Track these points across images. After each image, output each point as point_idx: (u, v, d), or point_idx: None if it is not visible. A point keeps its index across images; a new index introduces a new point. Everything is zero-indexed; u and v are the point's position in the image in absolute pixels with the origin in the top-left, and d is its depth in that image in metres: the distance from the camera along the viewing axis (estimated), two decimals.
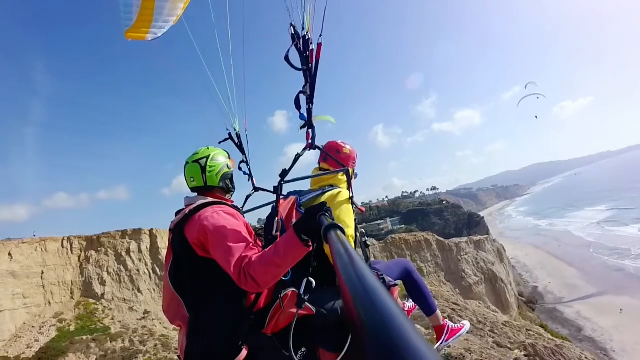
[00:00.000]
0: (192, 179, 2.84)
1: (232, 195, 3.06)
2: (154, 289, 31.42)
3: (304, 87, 3.08)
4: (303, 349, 2.45)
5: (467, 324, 3.98)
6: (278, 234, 2.72)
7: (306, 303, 2.38)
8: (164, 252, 32.86)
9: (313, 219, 2.06)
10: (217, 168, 2.86)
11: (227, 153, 3.09)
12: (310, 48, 3.09)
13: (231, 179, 3.01)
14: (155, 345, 24.85)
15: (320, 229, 1.87)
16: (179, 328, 2.68)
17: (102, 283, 29.58)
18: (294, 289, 2.49)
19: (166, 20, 4.38)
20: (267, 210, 3.25)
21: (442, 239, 50.97)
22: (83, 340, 24.20)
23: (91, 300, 28.48)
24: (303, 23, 3.09)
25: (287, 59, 3.08)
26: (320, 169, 3.42)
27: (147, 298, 30.71)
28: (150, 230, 34.09)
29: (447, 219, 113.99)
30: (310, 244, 2.12)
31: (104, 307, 28.27)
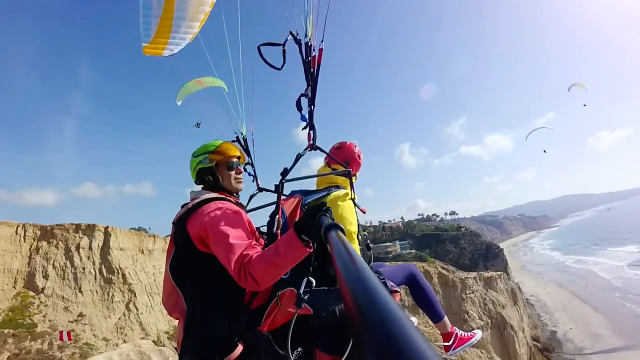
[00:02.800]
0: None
1: (224, 187, 2.94)
2: (96, 291, 28.94)
3: (305, 90, 3.23)
4: (299, 349, 2.44)
5: (478, 333, 3.95)
6: (279, 231, 2.75)
7: (304, 303, 2.40)
8: (114, 253, 30.83)
9: (313, 219, 2.08)
10: (193, 165, 2.89)
11: (215, 144, 2.95)
12: (313, 54, 3.26)
13: (212, 173, 2.87)
14: (73, 353, 21.86)
15: (320, 229, 1.88)
16: (177, 320, 2.69)
17: (46, 277, 27.40)
18: (292, 288, 2.48)
19: (183, 37, 4.63)
20: (271, 209, 3.18)
21: (445, 272, 46.33)
22: (3, 334, 21.96)
23: (31, 293, 26.31)
24: (306, 30, 3.28)
25: (260, 52, 3.43)
26: (333, 169, 3.55)
27: (87, 299, 28.16)
28: (106, 228, 31.68)
29: (463, 248, 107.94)
30: (311, 244, 2.16)
31: (41, 302, 25.98)
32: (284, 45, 3.36)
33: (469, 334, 3.86)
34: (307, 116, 3.26)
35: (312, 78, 3.26)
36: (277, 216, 2.85)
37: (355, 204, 3.19)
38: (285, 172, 2.97)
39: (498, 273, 58.30)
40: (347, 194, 3.18)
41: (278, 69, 3.46)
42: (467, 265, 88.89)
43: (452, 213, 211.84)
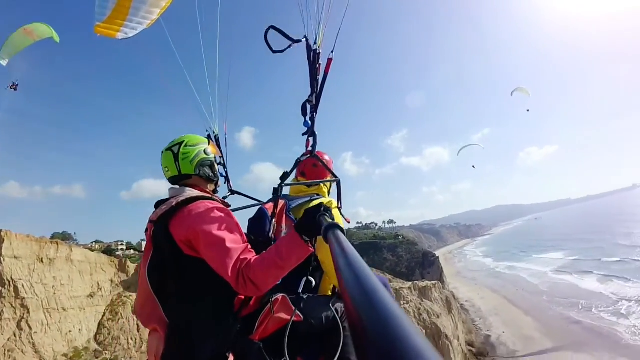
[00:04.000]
0: (166, 169, 2.80)
1: (217, 185, 3.02)
2: None
3: (310, 96, 3.34)
4: (286, 358, 2.41)
5: None
6: (273, 235, 2.92)
7: (294, 309, 2.44)
8: (7, 262, 26.87)
9: (313, 219, 2.11)
10: (192, 154, 2.78)
11: (207, 139, 3.01)
12: (319, 62, 3.35)
13: (211, 167, 2.89)
14: None
15: (320, 229, 1.91)
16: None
17: None
18: (283, 294, 2.50)
19: (140, 22, 4.51)
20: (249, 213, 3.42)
21: None
22: None
23: None
24: (316, 38, 3.37)
25: (265, 38, 3.42)
26: (297, 180, 3.66)
27: None
28: None
29: (401, 256, 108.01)
30: (311, 245, 2.18)
31: None
32: (292, 41, 3.39)
33: None
34: (309, 122, 3.35)
35: (317, 85, 3.34)
36: (273, 220, 2.99)
37: (340, 213, 3.26)
38: (284, 176, 3.19)
39: (433, 282, 59.21)
40: (331, 202, 3.24)
41: (273, 51, 3.44)
42: (404, 273, 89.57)
43: (391, 222, 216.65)
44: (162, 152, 2.81)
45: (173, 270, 2.37)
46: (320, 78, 3.37)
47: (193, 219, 2.32)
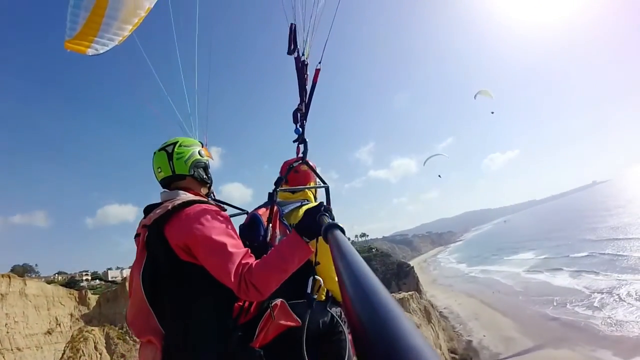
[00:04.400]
0: (159, 169, 2.71)
1: (209, 189, 2.97)
2: None
3: (299, 104, 3.44)
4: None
5: None
6: (269, 240, 2.86)
7: (293, 314, 2.44)
8: None
9: (313, 219, 2.13)
10: (187, 154, 2.72)
11: (201, 143, 3.01)
12: (307, 73, 3.51)
13: (205, 169, 2.85)
14: None
15: (320, 229, 1.91)
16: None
17: None
18: (282, 299, 2.47)
19: (111, 38, 4.49)
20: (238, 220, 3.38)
21: None
22: None
23: None
24: (303, 50, 3.52)
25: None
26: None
27: None
28: None
29: (375, 269, 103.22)
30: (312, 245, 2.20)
31: None
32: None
33: None
34: (300, 130, 3.44)
35: (306, 95, 3.47)
36: (271, 224, 2.92)
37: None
38: (278, 182, 3.10)
39: (410, 293, 59.40)
40: None
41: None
42: None
43: (363, 235, 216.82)
44: (155, 153, 2.73)
45: (168, 277, 2.30)
46: (308, 88, 3.49)
47: (191, 223, 2.24)
